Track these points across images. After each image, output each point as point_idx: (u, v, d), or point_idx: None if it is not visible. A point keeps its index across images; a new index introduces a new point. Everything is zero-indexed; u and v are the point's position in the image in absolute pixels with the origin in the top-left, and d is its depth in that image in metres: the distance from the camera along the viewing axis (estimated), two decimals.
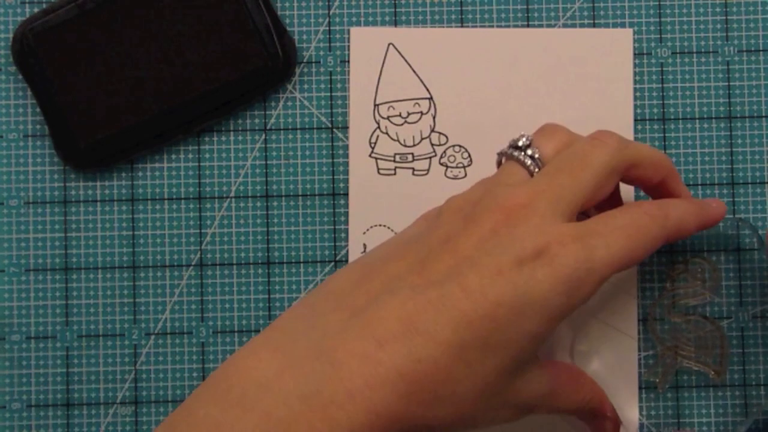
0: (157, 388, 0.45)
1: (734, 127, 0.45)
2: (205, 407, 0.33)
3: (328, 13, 0.46)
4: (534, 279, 0.33)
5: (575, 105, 0.45)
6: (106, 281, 0.45)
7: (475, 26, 0.46)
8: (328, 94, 0.46)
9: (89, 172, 0.45)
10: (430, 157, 0.45)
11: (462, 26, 0.46)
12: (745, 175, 0.45)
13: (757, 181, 0.45)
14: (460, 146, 0.45)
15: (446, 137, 0.45)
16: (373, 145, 0.45)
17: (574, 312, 0.34)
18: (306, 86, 0.46)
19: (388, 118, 0.45)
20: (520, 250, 0.33)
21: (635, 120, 0.45)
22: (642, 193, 0.43)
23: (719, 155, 0.45)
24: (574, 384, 0.38)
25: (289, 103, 0.46)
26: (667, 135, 0.45)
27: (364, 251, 0.45)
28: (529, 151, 0.37)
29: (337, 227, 0.45)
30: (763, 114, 0.45)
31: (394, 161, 0.45)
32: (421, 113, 0.45)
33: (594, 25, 0.46)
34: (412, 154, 0.45)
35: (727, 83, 0.45)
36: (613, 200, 0.40)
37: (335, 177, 0.45)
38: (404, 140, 0.45)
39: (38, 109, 0.45)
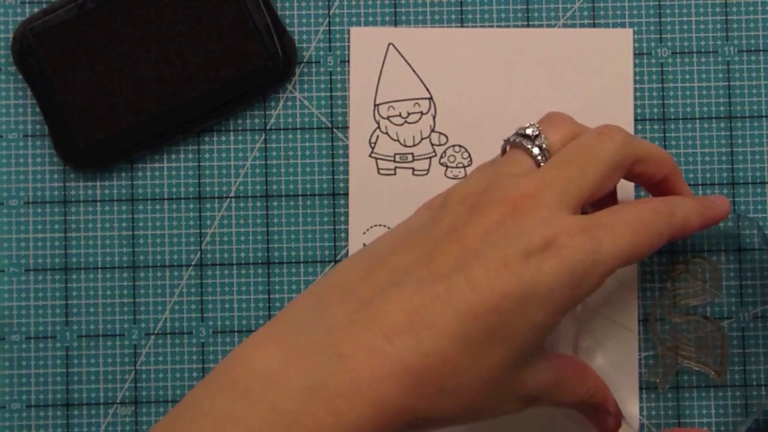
0: (157, 388, 0.45)
1: (734, 127, 0.45)
2: (210, 399, 0.32)
3: (328, 13, 0.46)
4: (541, 271, 0.33)
5: (575, 105, 0.45)
6: (106, 281, 0.45)
7: (475, 26, 0.46)
8: (328, 94, 0.46)
9: (89, 172, 0.45)
10: (430, 157, 0.45)
11: (462, 26, 0.46)
12: (745, 175, 0.45)
13: (758, 181, 0.45)
14: (460, 146, 0.45)
15: (446, 137, 0.45)
16: (373, 145, 0.45)
17: (579, 308, 0.34)
18: (306, 86, 0.46)
19: (388, 118, 0.45)
20: (527, 242, 0.33)
21: (635, 120, 0.45)
22: (643, 192, 0.43)
23: (719, 155, 0.45)
24: (579, 377, 0.38)
25: (289, 103, 0.46)
26: (667, 135, 0.45)
27: None
28: (538, 141, 0.37)
29: (337, 227, 0.45)
30: (763, 114, 0.45)
31: (394, 161, 0.45)
32: (421, 113, 0.45)
33: (594, 25, 0.46)
34: (412, 154, 0.45)
35: (727, 83, 0.45)
36: (610, 197, 0.40)
37: (335, 177, 0.45)
38: (404, 140, 0.45)
39: (38, 109, 0.45)
